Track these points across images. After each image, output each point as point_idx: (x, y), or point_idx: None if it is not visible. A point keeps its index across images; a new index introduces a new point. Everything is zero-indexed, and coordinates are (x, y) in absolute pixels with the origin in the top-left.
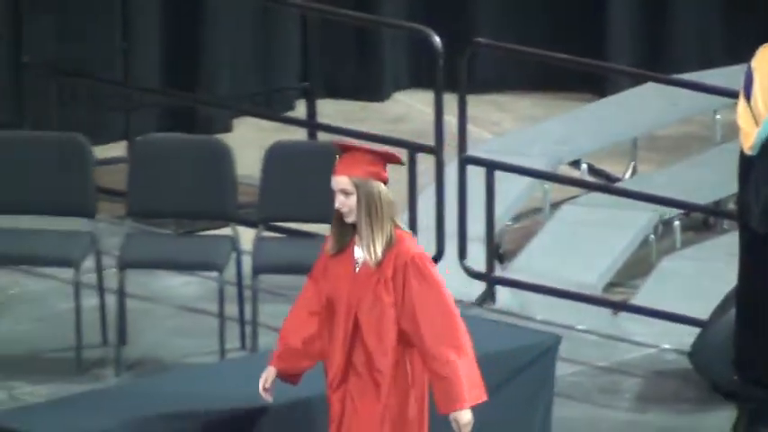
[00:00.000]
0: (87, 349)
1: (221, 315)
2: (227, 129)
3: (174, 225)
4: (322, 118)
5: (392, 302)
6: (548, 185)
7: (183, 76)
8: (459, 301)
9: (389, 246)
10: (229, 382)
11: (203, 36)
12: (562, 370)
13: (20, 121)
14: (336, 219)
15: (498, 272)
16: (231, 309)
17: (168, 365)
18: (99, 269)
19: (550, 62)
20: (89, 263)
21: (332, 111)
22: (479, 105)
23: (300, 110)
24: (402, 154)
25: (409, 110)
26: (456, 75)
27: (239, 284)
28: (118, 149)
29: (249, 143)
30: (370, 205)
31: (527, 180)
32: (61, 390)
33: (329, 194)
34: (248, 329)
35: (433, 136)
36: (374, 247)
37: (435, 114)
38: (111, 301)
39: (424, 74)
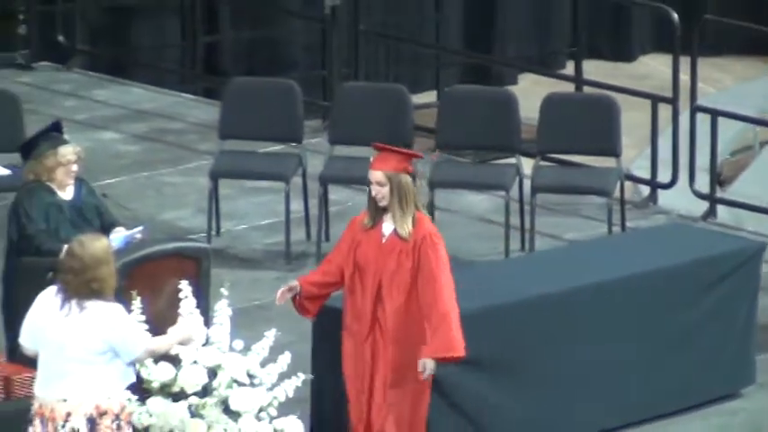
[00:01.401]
0: None
1: (507, 224)
2: (514, 82)
3: (472, 155)
4: (585, 75)
5: (411, 267)
6: (758, 129)
7: (481, 40)
8: (687, 217)
9: (413, 225)
10: (512, 274)
11: (496, 8)
12: (767, 269)
13: (356, 74)
14: (371, 201)
15: (719, 194)
16: (514, 220)
17: (465, 262)
18: None
19: (763, 34)
20: None
21: (593, 69)
22: (707, 66)
23: (569, 68)
24: (646, 104)
25: (652, 69)
26: (689, 42)
27: (521, 201)
28: (430, 97)
29: (530, 93)
30: (401, 193)
31: (741, 124)
32: None
33: (594, 134)
34: (527, 236)
35: (670, 90)
36: (405, 224)
37: (672, 73)
38: None
39: (664, 41)
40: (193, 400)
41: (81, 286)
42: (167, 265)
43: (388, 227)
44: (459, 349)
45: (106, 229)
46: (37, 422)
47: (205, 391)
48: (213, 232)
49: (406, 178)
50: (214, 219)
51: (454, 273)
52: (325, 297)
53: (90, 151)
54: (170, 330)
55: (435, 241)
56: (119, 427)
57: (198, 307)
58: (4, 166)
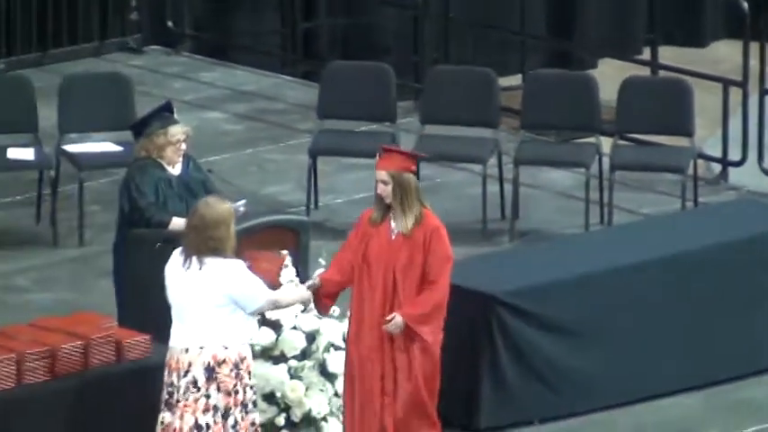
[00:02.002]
0: (490, 222)
1: (587, 199)
2: (594, 66)
3: (555, 134)
4: (661, 60)
5: (422, 262)
6: None
7: (563, 27)
8: (756, 193)
9: (419, 221)
10: (591, 246)
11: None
12: None
13: (446, 58)
14: (378, 199)
15: None
16: (594, 195)
17: (548, 234)
18: (500, 165)
19: None
20: (493, 161)
21: (668, 54)
22: None
23: (646, 53)
24: (718, 87)
25: (723, 55)
26: (758, 29)
27: (600, 177)
28: (515, 80)
29: (609, 77)
30: (403, 192)
31: None
32: (470, 251)
33: (669, 115)
34: (606, 210)
35: (741, 74)
36: (406, 221)
37: (743, 59)
38: (508, 188)
39: (735, 29)
40: (293, 362)
41: (201, 244)
42: (269, 237)
43: (395, 223)
44: (429, 338)
45: None
46: (166, 372)
47: (304, 355)
48: (312, 206)
49: (409, 177)
50: (313, 193)
51: (538, 244)
52: (338, 294)
53: (197, 130)
54: (289, 289)
55: (443, 234)
56: (238, 375)
57: (298, 275)
58: (116, 143)
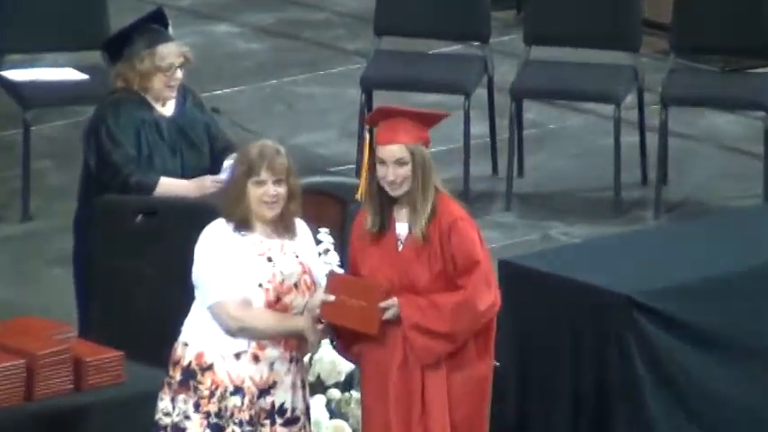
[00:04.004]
0: (626, 189)
1: (767, 156)
2: None
3: (720, 61)
4: None
5: (443, 269)
6: None
7: None
8: None
9: (433, 215)
10: None
11: None
12: None
13: None
14: (373, 194)
15: None
16: None
17: (710, 208)
18: (641, 105)
19: None
20: (630, 98)
21: None
22: None
23: None
24: None
25: None
26: None
27: None
28: None
29: None
30: (426, 173)
31: None
32: (597, 231)
33: None
34: None
35: None
36: (424, 216)
37: None
38: (652, 139)
39: None
40: (334, 393)
41: None
42: (304, 207)
43: (403, 226)
44: (421, 356)
45: (218, 156)
46: None
47: (350, 383)
48: None
49: (427, 152)
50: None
51: (695, 222)
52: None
53: (198, 50)
54: (269, 314)
55: (462, 228)
56: (183, 385)
57: (342, 264)
58: (81, 69)
